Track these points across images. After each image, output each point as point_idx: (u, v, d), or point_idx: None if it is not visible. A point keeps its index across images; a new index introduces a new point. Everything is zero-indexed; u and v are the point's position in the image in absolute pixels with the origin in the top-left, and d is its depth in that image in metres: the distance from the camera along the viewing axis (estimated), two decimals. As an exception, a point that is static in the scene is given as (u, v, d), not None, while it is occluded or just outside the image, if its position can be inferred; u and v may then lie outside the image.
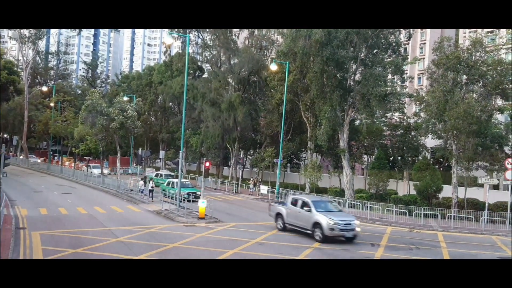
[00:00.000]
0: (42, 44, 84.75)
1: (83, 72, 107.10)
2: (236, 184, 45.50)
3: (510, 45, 39.61)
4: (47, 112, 72.89)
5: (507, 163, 26.98)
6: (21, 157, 76.39)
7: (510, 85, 31.16)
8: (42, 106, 76.67)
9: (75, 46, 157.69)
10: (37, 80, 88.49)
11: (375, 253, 18.41)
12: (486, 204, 27.61)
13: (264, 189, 40.22)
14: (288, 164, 52.90)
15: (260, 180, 45.95)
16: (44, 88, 76.81)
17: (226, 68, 51.88)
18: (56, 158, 78.15)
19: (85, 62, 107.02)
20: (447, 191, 32.36)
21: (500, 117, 34.34)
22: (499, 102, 33.65)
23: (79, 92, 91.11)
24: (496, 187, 33.89)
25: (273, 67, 39.92)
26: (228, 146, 53.05)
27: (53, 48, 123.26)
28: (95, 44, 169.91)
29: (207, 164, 30.66)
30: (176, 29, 47.55)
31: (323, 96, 36.15)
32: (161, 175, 44.61)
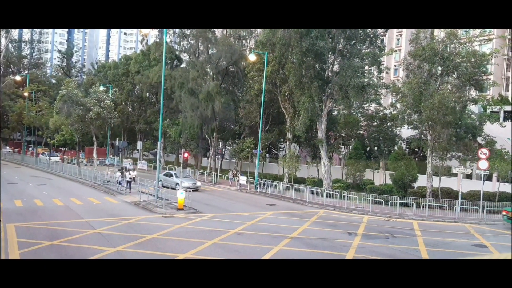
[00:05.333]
0: (15, 32, 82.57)
1: (58, 61, 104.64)
2: (215, 174, 45.50)
3: (484, 37, 40.35)
4: (21, 102, 71.31)
5: (480, 153, 27.68)
6: None
7: (483, 77, 31.81)
8: (16, 96, 74.95)
9: (49, 34, 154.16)
10: (10, 69, 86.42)
11: (352, 242, 18.71)
12: (460, 193, 28.30)
13: (243, 179, 40.28)
14: (267, 155, 53.07)
15: (239, 171, 46.01)
16: (18, 78, 74.91)
17: (204, 58, 51.44)
18: (30, 149, 76.71)
19: (59, 51, 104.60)
20: (422, 180, 33.01)
21: (474, 108, 35.02)
22: (473, 93, 34.33)
23: (54, 81, 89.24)
24: (469, 177, 34.69)
25: (252, 57, 39.82)
26: (207, 136, 52.87)
27: (26, 36, 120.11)
28: (70, 32, 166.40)
29: (186, 155, 30.58)
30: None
31: (302, 87, 36.27)
32: None
